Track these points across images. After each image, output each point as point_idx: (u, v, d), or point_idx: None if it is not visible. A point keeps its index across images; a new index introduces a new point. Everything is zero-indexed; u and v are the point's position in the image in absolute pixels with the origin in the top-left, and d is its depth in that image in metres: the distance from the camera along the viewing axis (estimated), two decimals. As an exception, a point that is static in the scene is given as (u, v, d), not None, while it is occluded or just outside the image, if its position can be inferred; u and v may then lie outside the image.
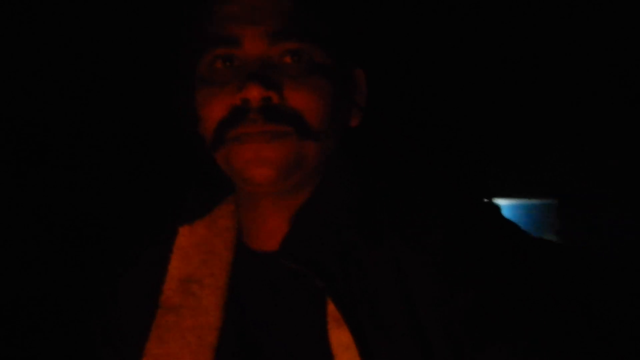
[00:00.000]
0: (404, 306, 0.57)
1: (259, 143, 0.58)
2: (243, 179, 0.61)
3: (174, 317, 0.64)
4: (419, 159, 0.74)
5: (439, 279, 0.56)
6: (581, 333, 0.53)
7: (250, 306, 0.64)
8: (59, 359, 0.84)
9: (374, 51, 0.71)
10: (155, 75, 0.83)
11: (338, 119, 0.63)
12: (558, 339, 0.52)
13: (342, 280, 0.59)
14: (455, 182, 0.66)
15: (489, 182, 0.82)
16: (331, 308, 0.58)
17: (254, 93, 0.58)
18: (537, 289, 0.55)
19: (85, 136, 0.93)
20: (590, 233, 1.02)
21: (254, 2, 0.60)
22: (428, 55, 0.91)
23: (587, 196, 1.03)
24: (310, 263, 0.60)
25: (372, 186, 0.66)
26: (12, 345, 0.85)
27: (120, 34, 0.93)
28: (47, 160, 0.91)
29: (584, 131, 0.97)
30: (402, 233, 0.60)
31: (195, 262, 0.67)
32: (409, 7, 0.88)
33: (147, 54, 0.89)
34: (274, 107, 0.59)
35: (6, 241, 0.89)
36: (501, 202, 0.98)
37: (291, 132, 0.59)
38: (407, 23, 0.87)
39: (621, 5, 0.90)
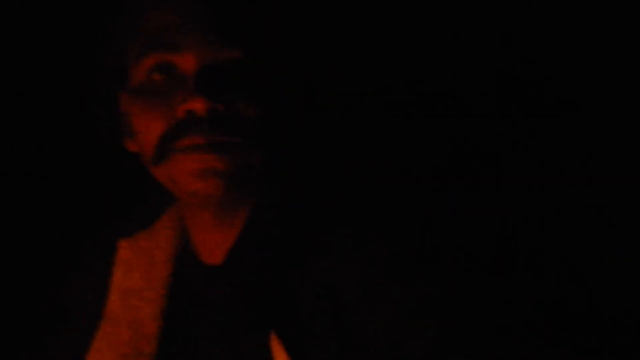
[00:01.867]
0: (335, 326, 0.55)
1: (206, 154, 0.56)
2: (188, 192, 0.59)
3: (112, 328, 0.65)
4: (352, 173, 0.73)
5: (370, 299, 0.55)
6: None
7: (191, 318, 0.64)
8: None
9: (314, 61, 0.70)
10: (85, 83, 0.82)
11: (279, 129, 0.61)
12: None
13: (276, 301, 0.58)
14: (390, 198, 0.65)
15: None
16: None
17: (199, 105, 0.55)
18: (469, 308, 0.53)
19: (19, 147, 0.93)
20: None
21: (195, 10, 0.58)
22: (377, 63, 0.90)
23: None
24: (243, 286, 0.60)
25: (303, 204, 0.64)
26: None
27: (50, 39, 0.92)
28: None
29: None
30: (333, 254, 0.58)
31: (136, 274, 0.67)
32: (351, 17, 0.87)
33: (81, 64, 0.85)
34: (219, 118, 0.56)
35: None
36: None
37: (238, 143, 0.57)
38: (350, 32, 0.86)
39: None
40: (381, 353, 0.53)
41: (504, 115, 0.89)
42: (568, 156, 0.87)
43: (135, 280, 0.67)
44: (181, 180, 0.58)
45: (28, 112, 0.93)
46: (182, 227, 0.69)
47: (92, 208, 0.90)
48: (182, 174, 0.57)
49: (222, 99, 0.56)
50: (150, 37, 0.58)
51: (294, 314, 0.57)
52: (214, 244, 0.64)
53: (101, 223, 0.77)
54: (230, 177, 0.57)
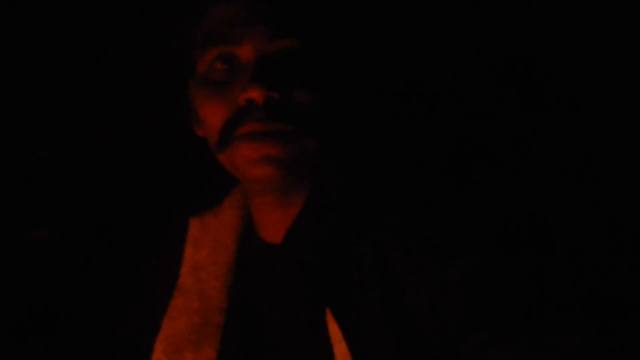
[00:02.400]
0: (386, 302, 0.58)
1: (263, 142, 0.59)
2: (248, 178, 0.62)
3: (183, 299, 0.70)
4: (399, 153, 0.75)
5: (419, 275, 0.57)
6: None
7: (255, 292, 0.68)
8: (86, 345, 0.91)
9: (360, 48, 0.73)
10: (159, 76, 0.86)
11: (332, 114, 0.63)
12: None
13: (332, 279, 0.61)
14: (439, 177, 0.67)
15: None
16: None
17: (257, 94, 0.58)
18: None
19: (101, 138, 0.99)
20: None
21: (251, 4, 0.61)
22: (417, 51, 0.91)
23: None
24: (303, 264, 0.63)
25: (357, 187, 0.66)
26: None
27: (122, 36, 0.96)
28: (67, 163, 0.97)
29: None
30: (385, 233, 0.60)
31: (204, 250, 0.72)
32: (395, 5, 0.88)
33: (149, 55, 0.92)
34: (277, 106, 0.59)
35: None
36: None
37: (294, 130, 0.60)
38: (393, 21, 0.88)
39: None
40: (426, 326, 0.56)
41: (505, 115, 0.89)
42: (568, 155, 0.87)
43: (204, 255, 0.72)
44: (241, 167, 0.61)
45: (113, 104, 0.98)
46: (245, 207, 0.73)
47: (170, 191, 0.96)
48: (241, 161, 0.61)
49: (278, 87, 0.59)
50: (212, 31, 0.62)
51: (347, 291, 0.60)
52: (275, 224, 0.67)
53: (178, 204, 0.86)
54: (287, 163, 0.60)
